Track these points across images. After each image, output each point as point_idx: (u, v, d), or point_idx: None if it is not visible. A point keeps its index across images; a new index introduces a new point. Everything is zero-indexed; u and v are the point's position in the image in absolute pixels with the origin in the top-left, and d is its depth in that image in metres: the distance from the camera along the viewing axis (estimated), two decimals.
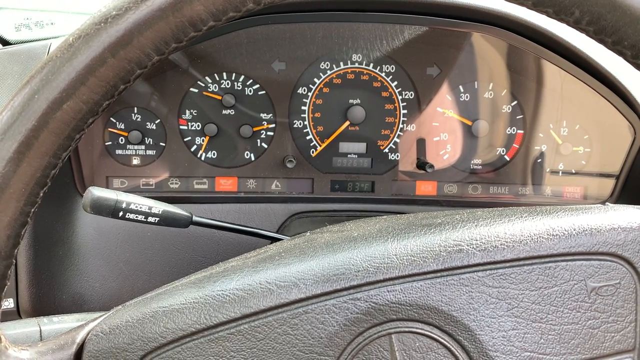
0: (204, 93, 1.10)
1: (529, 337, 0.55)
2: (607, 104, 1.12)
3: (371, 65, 1.12)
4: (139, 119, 1.10)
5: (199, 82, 1.10)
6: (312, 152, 1.14)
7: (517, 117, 1.15)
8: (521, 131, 1.15)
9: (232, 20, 0.49)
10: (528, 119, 1.15)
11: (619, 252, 0.56)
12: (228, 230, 0.96)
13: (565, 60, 1.10)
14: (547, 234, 0.56)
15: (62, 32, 1.25)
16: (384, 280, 0.54)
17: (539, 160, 1.17)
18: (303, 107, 1.12)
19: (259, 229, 0.99)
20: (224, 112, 1.11)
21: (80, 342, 0.55)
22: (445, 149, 1.16)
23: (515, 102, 1.14)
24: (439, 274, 0.54)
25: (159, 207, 0.85)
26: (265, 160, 1.14)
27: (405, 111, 1.14)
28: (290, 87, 1.11)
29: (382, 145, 1.15)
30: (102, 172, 1.12)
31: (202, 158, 1.13)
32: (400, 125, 1.14)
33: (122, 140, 1.10)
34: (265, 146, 1.14)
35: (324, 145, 1.14)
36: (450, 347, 0.54)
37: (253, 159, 1.14)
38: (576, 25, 0.50)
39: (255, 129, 1.12)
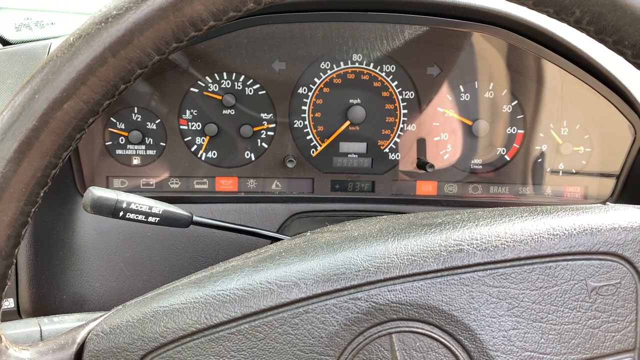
0: (204, 93, 1.10)
1: (529, 336, 0.55)
2: (607, 103, 1.12)
3: (371, 65, 1.12)
4: (139, 119, 1.10)
5: (199, 82, 1.10)
6: (313, 152, 1.14)
7: (518, 117, 1.15)
8: (521, 131, 1.15)
9: (233, 20, 0.49)
10: (528, 118, 1.15)
11: (619, 252, 0.56)
12: (228, 230, 0.96)
13: (565, 60, 1.10)
14: (548, 234, 0.56)
15: (63, 32, 1.25)
16: (385, 279, 0.54)
17: (539, 160, 1.17)
18: (303, 107, 1.12)
19: (259, 228, 0.99)
20: (224, 112, 1.11)
21: (81, 341, 0.55)
22: (446, 149, 1.16)
23: (515, 102, 1.14)
24: (439, 274, 0.54)
25: (159, 207, 0.85)
26: (266, 160, 1.14)
27: (406, 111, 1.14)
28: (290, 87, 1.11)
29: (383, 145, 1.15)
30: (103, 172, 1.12)
31: (203, 158, 1.13)
32: (401, 125, 1.14)
33: (122, 140, 1.10)
34: (266, 146, 1.14)
35: (324, 145, 1.14)
36: (451, 346, 0.54)
37: (253, 158, 1.14)
38: (577, 25, 0.50)
39: (256, 128, 1.12)
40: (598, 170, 1.17)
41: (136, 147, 1.11)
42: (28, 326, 0.62)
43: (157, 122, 1.10)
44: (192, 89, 1.10)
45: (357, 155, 1.16)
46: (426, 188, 1.18)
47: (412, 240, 0.56)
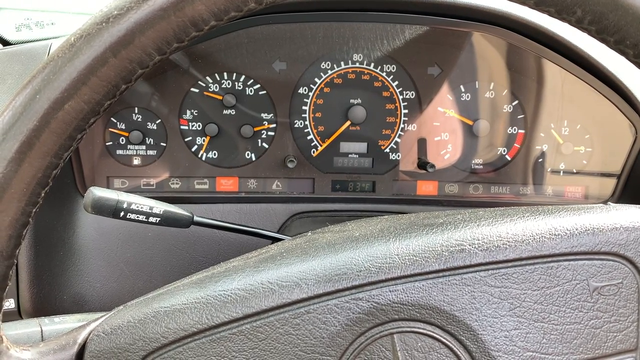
0: (205, 93, 1.10)
1: (531, 336, 0.55)
2: (608, 103, 1.12)
3: (372, 65, 1.12)
4: (139, 119, 1.10)
5: (199, 82, 1.10)
6: (313, 152, 1.14)
7: (518, 117, 1.15)
8: (522, 131, 1.15)
9: (234, 20, 0.49)
10: (529, 118, 1.15)
11: (621, 252, 0.56)
12: (229, 230, 0.96)
13: (566, 59, 1.10)
14: (550, 234, 0.56)
15: (63, 32, 1.25)
16: (386, 280, 0.54)
17: (540, 160, 1.17)
18: (304, 107, 1.12)
19: (260, 229, 0.99)
20: (225, 112, 1.11)
21: (82, 342, 0.55)
22: (446, 149, 1.16)
23: (516, 102, 1.14)
24: (441, 274, 0.54)
25: (159, 207, 0.85)
26: (266, 160, 1.14)
27: (406, 111, 1.14)
28: (291, 87, 1.11)
29: (383, 145, 1.15)
30: (103, 172, 1.11)
31: (203, 158, 1.13)
32: (401, 125, 1.14)
33: (122, 140, 1.10)
34: (266, 146, 1.13)
35: (324, 145, 1.14)
36: (453, 347, 0.54)
37: (254, 159, 1.14)
38: (578, 24, 0.50)
39: (256, 129, 1.12)
40: (599, 170, 1.17)
41: (137, 147, 1.11)
42: (29, 327, 0.62)
43: (157, 122, 1.10)
44: (192, 89, 1.10)
45: (357, 155, 1.15)
46: (427, 188, 1.18)
47: (414, 240, 0.56)
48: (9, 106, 0.46)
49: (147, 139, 1.11)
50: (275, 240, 0.98)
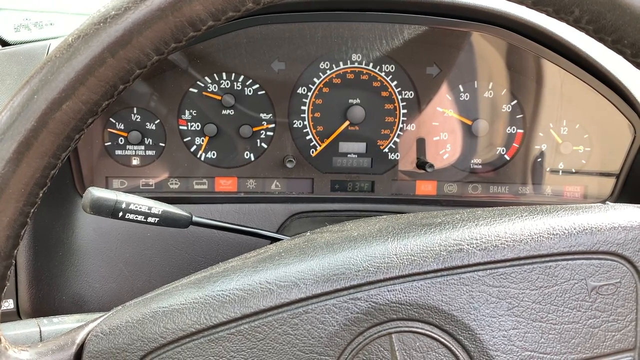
0: (204, 93, 1.10)
1: (529, 336, 0.55)
2: (607, 103, 1.12)
3: (371, 64, 1.12)
4: (138, 120, 1.10)
5: (198, 82, 1.10)
6: (312, 152, 1.14)
7: (517, 117, 1.15)
8: (521, 130, 1.15)
9: (232, 20, 0.49)
10: (528, 118, 1.15)
11: (619, 251, 0.56)
12: (228, 230, 0.96)
13: (565, 59, 1.10)
14: (548, 233, 0.56)
15: (61, 32, 1.25)
16: (384, 279, 0.54)
17: (539, 160, 1.17)
18: (303, 107, 1.12)
19: (258, 229, 0.99)
20: (224, 112, 1.11)
21: (80, 342, 0.55)
22: (445, 149, 1.16)
23: (515, 102, 1.14)
24: (439, 274, 0.54)
25: (158, 207, 0.85)
26: (265, 160, 1.14)
27: (405, 111, 1.14)
28: (289, 87, 1.11)
29: (382, 145, 1.15)
30: (102, 172, 1.11)
31: (202, 158, 1.13)
32: (400, 125, 1.14)
33: (121, 140, 1.10)
34: (265, 146, 1.13)
35: (323, 145, 1.14)
36: (451, 346, 0.54)
37: (253, 159, 1.14)
38: (576, 24, 0.50)
39: (255, 129, 1.12)
40: (598, 169, 1.17)
41: (135, 147, 1.11)
42: (27, 327, 0.62)
43: (156, 122, 1.10)
44: (191, 89, 1.10)
45: (356, 155, 1.15)
46: (426, 188, 1.18)
47: (412, 240, 0.56)
48: (6, 106, 0.46)
49: (146, 139, 1.11)
50: (274, 240, 0.98)
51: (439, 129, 1.15)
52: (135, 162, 1.12)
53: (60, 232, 1.07)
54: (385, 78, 1.12)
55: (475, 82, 1.13)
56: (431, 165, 1.12)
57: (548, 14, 0.51)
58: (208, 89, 1.10)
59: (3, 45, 1.18)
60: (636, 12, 0.48)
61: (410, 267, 0.54)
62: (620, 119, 1.12)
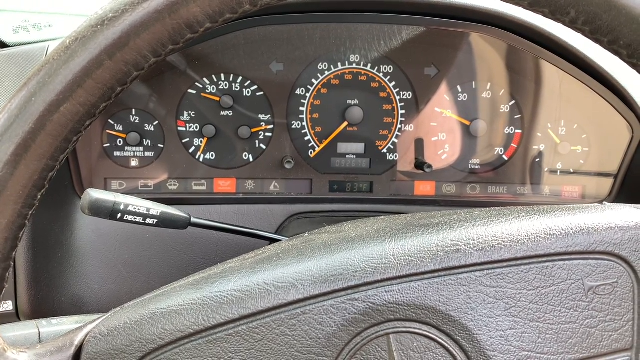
0: (202, 94, 1.10)
1: (526, 336, 0.55)
2: (605, 103, 1.12)
3: (369, 65, 1.12)
4: (137, 121, 1.10)
5: (197, 84, 1.10)
6: (311, 152, 1.15)
7: (515, 117, 1.15)
8: (519, 131, 1.16)
9: (229, 22, 0.49)
10: (526, 118, 1.15)
11: (616, 251, 0.56)
12: (226, 231, 0.96)
13: (562, 59, 1.10)
14: (545, 234, 0.56)
15: (60, 34, 1.25)
16: (382, 280, 0.54)
17: (537, 160, 1.17)
18: (301, 108, 1.13)
19: (257, 230, 0.99)
20: (222, 113, 1.11)
21: (79, 344, 0.55)
22: (444, 149, 1.16)
23: (513, 102, 1.14)
24: (436, 274, 0.54)
25: (157, 208, 0.85)
26: (264, 161, 1.14)
27: (404, 111, 1.14)
28: (288, 88, 1.12)
29: (381, 146, 1.15)
30: (101, 174, 1.12)
31: (201, 159, 1.13)
32: (399, 126, 1.14)
33: (120, 142, 1.11)
34: (264, 147, 1.14)
35: (322, 146, 1.14)
36: (448, 347, 0.54)
37: (251, 160, 1.14)
38: (572, 25, 0.51)
39: (254, 130, 1.12)
40: (596, 169, 1.18)
41: (134, 149, 1.11)
42: (26, 328, 0.62)
43: (155, 123, 1.10)
44: (189, 91, 1.10)
45: (355, 156, 1.16)
46: (424, 188, 1.18)
47: (410, 240, 0.56)
48: (4, 109, 0.46)
49: (144, 140, 1.11)
50: (273, 241, 0.99)
51: (438, 130, 1.15)
52: (134, 163, 1.12)
53: (59, 233, 1.08)
54: (384, 79, 1.12)
55: (474, 82, 1.13)
56: (429, 166, 1.12)
57: (544, 15, 0.51)
58: (207, 90, 1.10)
59: (2, 47, 1.18)
60: (632, 13, 0.48)
61: (408, 267, 0.54)
62: (618, 119, 1.13)
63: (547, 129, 1.15)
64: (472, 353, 0.54)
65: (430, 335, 0.54)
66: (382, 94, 1.13)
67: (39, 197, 0.49)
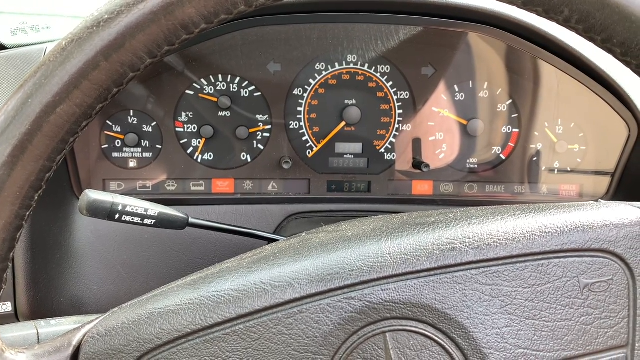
0: (200, 95, 1.10)
1: (522, 334, 0.55)
2: (602, 102, 1.12)
3: (366, 65, 1.12)
4: (135, 122, 1.10)
5: (194, 85, 1.10)
6: (309, 152, 1.15)
7: (513, 116, 1.15)
8: (516, 130, 1.16)
9: (225, 23, 0.49)
10: (523, 117, 1.15)
11: (611, 249, 0.56)
12: (225, 231, 0.97)
13: (559, 59, 1.10)
14: (540, 232, 0.56)
15: (58, 36, 1.26)
16: (378, 279, 0.54)
17: (534, 159, 1.18)
18: (299, 108, 1.13)
19: (255, 230, 0.99)
20: (220, 114, 1.12)
21: (77, 344, 0.55)
22: (441, 149, 1.16)
23: (510, 101, 1.14)
24: (432, 273, 0.54)
25: (155, 209, 0.85)
26: (262, 161, 1.14)
27: (401, 111, 1.14)
28: (285, 88, 1.12)
29: (378, 146, 1.16)
30: (99, 175, 1.12)
31: (199, 160, 1.13)
32: (396, 125, 1.15)
33: (118, 143, 1.11)
34: (262, 147, 1.14)
35: (320, 146, 1.15)
36: (445, 344, 0.54)
37: (249, 160, 1.14)
38: (566, 23, 0.51)
39: (251, 130, 1.12)
40: (593, 168, 1.18)
41: (132, 149, 1.11)
42: (25, 329, 0.63)
43: (153, 124, 1.11)
44: (187, 92, 1.10)
45: (353, 156, 1.16)
46: (422, 188, 1.18)
47: (406, 239, 0.57)
48: (1, 110, 0.47)
49: (142, 141, 1.11)
50: (271, 241, 0.99)
51: (435, 129, 1.15)
52: (132, 164, 1.12)
53: (57, 234, 1.08)
54: (381, 79, 1.13)
55: (471, 82, 1.13)
56: (427, 165, 1.13)
57: (538, 14, 0.51)
58: (204, 91, 1.10)
59: (0, 49, 1.18)
60: (625, 12, 0.49)
61: (404, 266, 0.54)
62: (615, 118, 1.13)
63: (544, 128, 1.16)
64: (468, 351, 0.54)
65: (427, 333, 0.54)
66: (380, 94, 1.13)
67: (36, 198, 0.49)
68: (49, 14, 1.33)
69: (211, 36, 1.07)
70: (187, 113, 1.11)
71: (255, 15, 1.07)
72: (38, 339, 0.62)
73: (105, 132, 1.10)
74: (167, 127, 1.11)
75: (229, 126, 1.12)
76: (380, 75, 1.13)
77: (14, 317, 1.06)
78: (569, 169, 1.18)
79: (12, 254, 0.49)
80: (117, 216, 0.82)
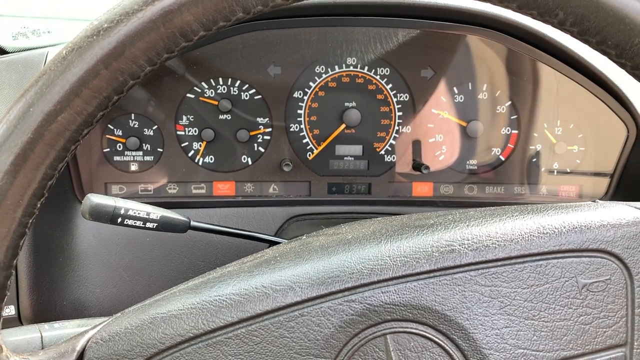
0: (201, 98, 1.11)
1: (521, 334, 0.55)
2: (600, 103, 1.13)
3: (366, 68, 1.13)
4: (136, 125, 1.11)
5: (195, 88, 1.10)
6: (309, 155, 1.15)
7: (512, 118, 1.16)
8: (516, 131, 1.16)
9: (223, 29, 0.49)
10: (522, 119, 1.16)
11: (608, 249, 0.57)
12: (226, 234, 0.97)
13: (558, 60, 1.11)
14: (538, 232, 0.56)
15: (59, 40, 1.26)
16: (378, 281, 0.54)
17: (534, 160, 1.18)
18: (299, 111, 1.13)
19: (256, 232, 1.00)
20: (221, 117, 1.12)
21: (81, 349, 0.56)
22: (441, 150, 1.17)
23: (509, 103, 1.15)
24: (432, 274, 0.55)
25: (156, 212, 0.86)
26: (263, 164, 1.15)
27: (401, 113, 1.15)
28: (286, 91, 1.12)
29: (378, 148, 1.16)
30: (101, 178, 1.12)
31: (200, 163, 1.14)
32: (396, 127, 1.15)
33: (120, 146, 1.11)
34: (262, 150, 1.14)
35: (320, 149, 1.15)
36: (445, 346, 0.55)
37: (250, 163, 1.15)
38: (560, 26, 0.51)
39: (252, 133, 1.13)
40: (592, 169, 1.18)
41: (134, 153, 1.12)
42: (29, 333, 0.63)
43: (154, 128, 1.11)
44: (188, 95, 1.11)
45: (353, 158, 1.16)
46: (422, 189, 1.19)
47: (405, 241, 0.57)
48: (3, 120, 0.47)
49: (144, 145, 1.12)
50: (272, 243, 0.99)
51: (435, 131, 1.16)
52: (133, 167, 1.13)
53: (60, 238, 1.08)
54: (380, 81, 1.13)
55: (470, 84, 1.14)
56: (427, 167, 1.13)
57: (533, 17, 0.52)
58: (205, 94, 1.11)
59: (1, 54, 1.18)
60: (619, 14, 0.49)
61: (404, 268, 0.55)
62: (613, 119, 1.13)
63: (543, 129, 1.16)
64: (468, 352, 0.55)
65: (427, 334, 0.55)
66: (379, 96, 1.14)
67: (39, 205, 0.49)
68: (50, 17, 1.34)
69: (212, 40, 1.07)
70: (188, 116, 1.11)
71: (254, 20, 1.07)
72: (42, 343, 0.63)
73: (107, 136, 1.11)
74: (168, 130, 1.12)
75: (229, 129, 1.12)
76: (379, 78, 1.13)
77: (18, 320, 1.06)
78: (568, 170, 1.18)
79: (15, 261, 0.50)
80: (119, 220, 0.83)
